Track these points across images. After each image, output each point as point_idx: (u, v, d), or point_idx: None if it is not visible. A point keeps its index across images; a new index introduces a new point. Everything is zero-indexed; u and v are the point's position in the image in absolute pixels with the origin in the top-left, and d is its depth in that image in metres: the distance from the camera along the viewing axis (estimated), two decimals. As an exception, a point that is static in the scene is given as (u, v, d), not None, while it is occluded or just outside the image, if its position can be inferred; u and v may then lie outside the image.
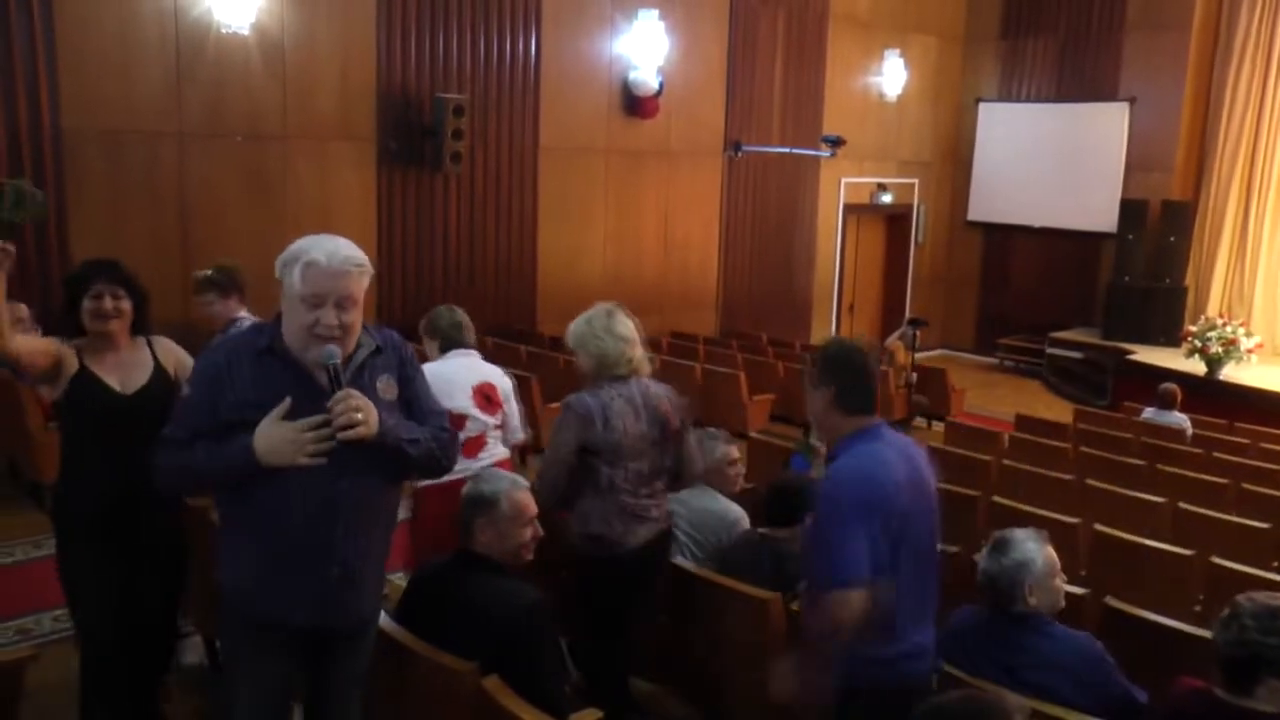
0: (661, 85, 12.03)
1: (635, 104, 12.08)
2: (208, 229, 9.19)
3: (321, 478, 2.75)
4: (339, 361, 2.74)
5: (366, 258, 2.83)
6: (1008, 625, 3.39)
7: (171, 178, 9.03)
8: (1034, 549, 3.40)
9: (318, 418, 2.71)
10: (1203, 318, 13.52)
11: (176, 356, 3.97)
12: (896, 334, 11.55)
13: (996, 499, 5.94)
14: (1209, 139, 14.66)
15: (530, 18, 11.05)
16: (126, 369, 3.78)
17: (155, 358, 3.87)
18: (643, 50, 11.89)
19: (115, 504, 3.67)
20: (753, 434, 7.99)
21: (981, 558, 3.50)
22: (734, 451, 4.75)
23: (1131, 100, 14.78)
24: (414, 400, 3.03)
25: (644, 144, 12.40)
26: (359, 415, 2.71)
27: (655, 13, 11.87)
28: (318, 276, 2.72)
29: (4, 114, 8.04)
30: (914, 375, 10.50)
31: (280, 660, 2.92)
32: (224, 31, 9.00)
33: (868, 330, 16.12)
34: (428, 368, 4.05)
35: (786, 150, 13.76)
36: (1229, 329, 12.72)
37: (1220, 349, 12.51)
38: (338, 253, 2.75)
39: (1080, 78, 15.38)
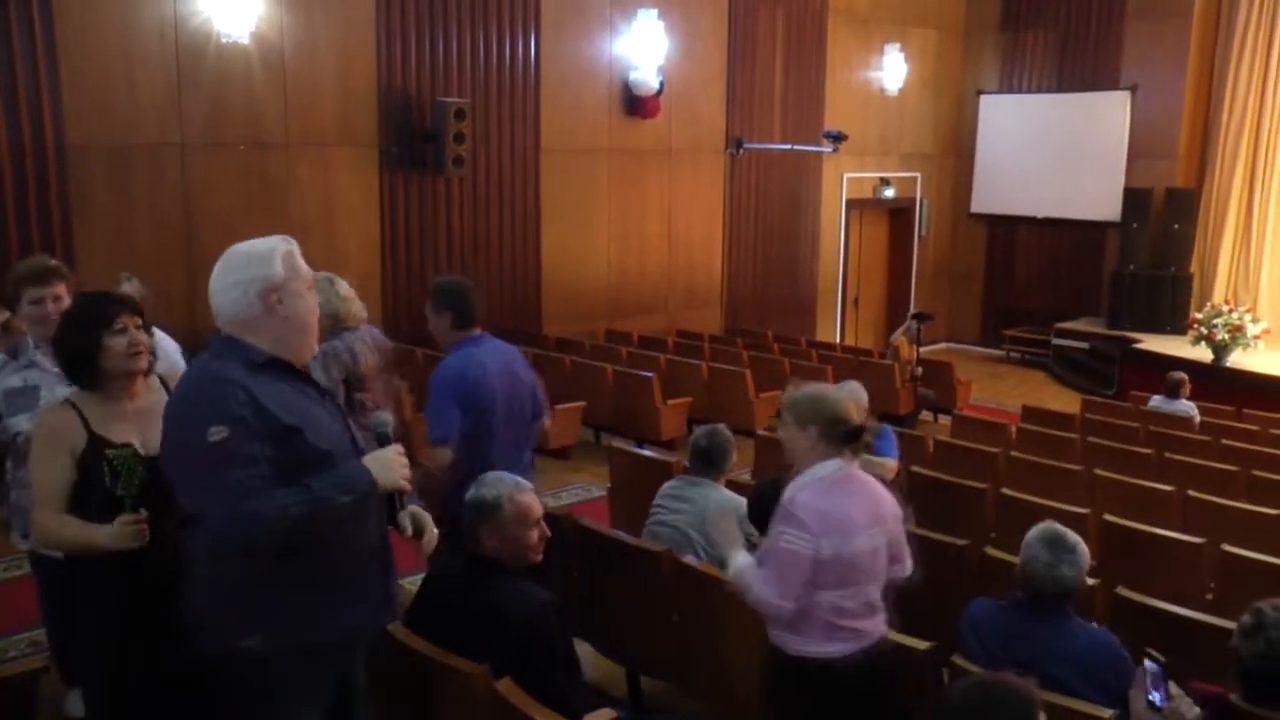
0: (662, 84, 12.03)
1: (636, 104, 12.08)
2: (212, 239, 9.19)
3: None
4: (389, 426, 2.89)
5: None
6: (1030, 619, 3.36)
7: (175, 188, 9.05)
8: (1085, 549, 3.33)
9: (399, 448, 2.80)
10: (1208, 305, 13.52)
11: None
12: (901, 328, 11.55)
13: (1005, 491, 5.94)
14: (1211, 125, 14.63)
15: (529, 20, 11.06)
16: (145, 421, 3.19)
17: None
18: (642, 50, 11.89)
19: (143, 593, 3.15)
20: (759, 431, 7.99)
21: (1042, 560, 3.31)
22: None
23: (1133, 89, 14.76)
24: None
25: (646, 144, 12.41)
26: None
27: (654, 12, 11.87)
28: (298, 260, 2.87)
29: (7, 130, 8.05)
30: (919, 369, 10.50)
31: (330, 682, 2.88)
32: (224, 41, 9.02)
33: (873, 325, 16.13)
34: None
35: (788, 147, 13.75)
36: (1235, 315, 12.71)
37: (1226, 335, 12.50)
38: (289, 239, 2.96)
39: (1081, 67, 15.37)
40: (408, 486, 2.73)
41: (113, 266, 8.53)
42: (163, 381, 3.41)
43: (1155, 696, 2.57)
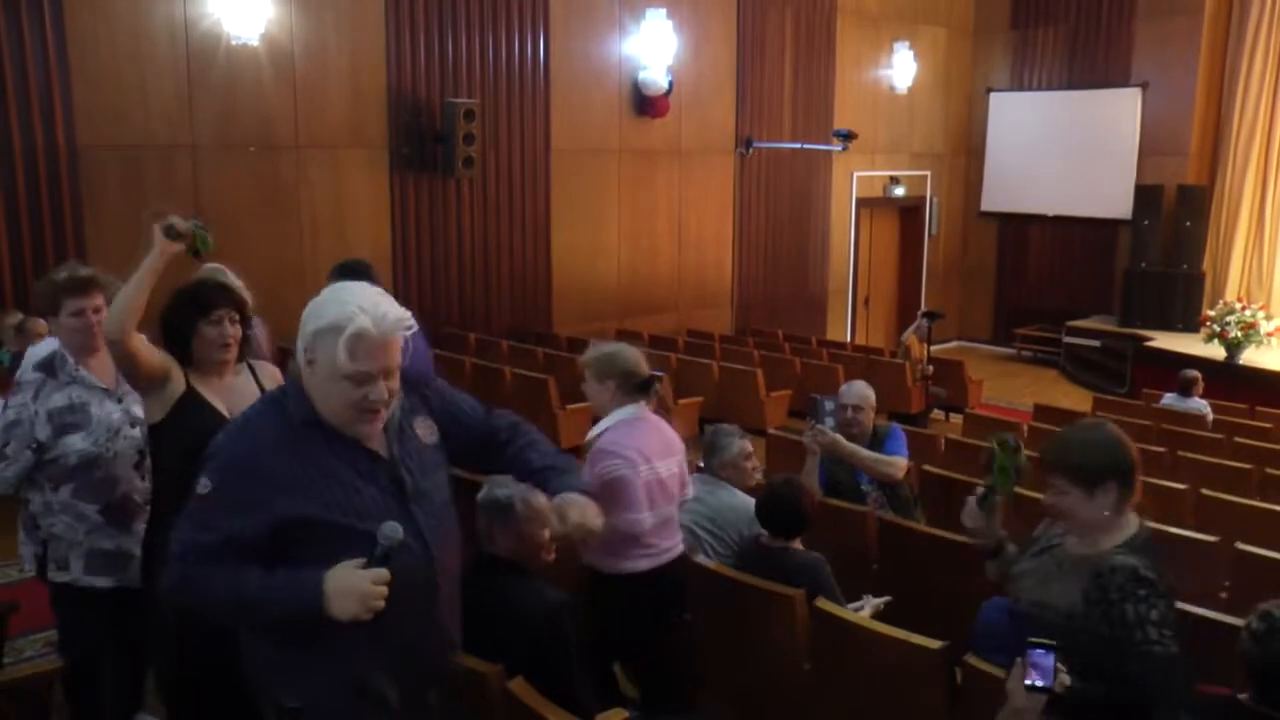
0: (671, 84, 12.03)
1: (645, 104, 12.09)
2: (224, 240, 9.14)
3: (417, 561, 2.42)
4: (396, 541, 2.29)
5: (407, 312, 2.41)
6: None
7: (186, 190, 9.07)
8: None
9: (384, 574, 2.25)
10: (1221, 302, 13.47)
11: (279, 382, 3.53)
12: (912, 327, 11.53)
13: (1017, 490, 5.90)
14: (1223, 122, 14.59)
15: (538, 20, 11.07)
16: (234, 396, 3.41)
17: (260, 386, 3.53)
18: (651, 50, 11.90)
19: None
20: (770, 430, 7.98)
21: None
22: (749, 446, 4.73)
23: (1144, 85, 14.72)
24: (461, 423, 2.69)
25: (655, 143, 12.41)
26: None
27: (663, 12, 11.88)
28: (370, 350, 2.29)
29: (20, 133, 8.09)
30: (930, 368, 10.48)
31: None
32: (234, 43, 9.04)
33: (883, 323, 16.10)
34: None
35: (798, 146, 13.74)
36: (1248, 313, 12.66)
37: (1240, 333, 12.46)
38: (386, 316, 2.31)
39: (1092, 65, 15.33)
40: (366, 616, 2.23)
41: (125, 270, 8.53)
42: (252, 369, 3.61)
43: (1036, 680, 2.53)
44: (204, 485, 2.35)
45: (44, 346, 3.92)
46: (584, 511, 2.61)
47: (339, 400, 2.33)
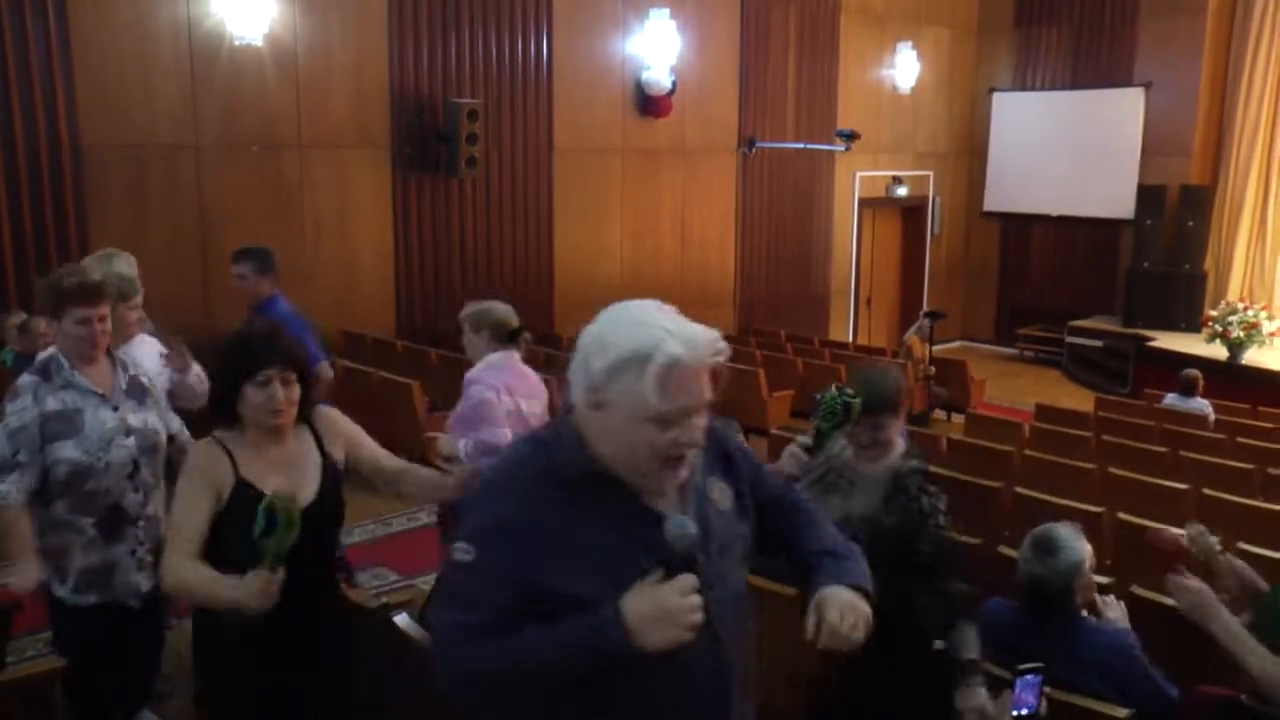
0: (675, 84, 12.04)
1: (649, 103, 12.10)
2: (227, 240, 9.21)
3: (708, 634, 1.92)
4: (694, 534, 1.92)
5: (716, 330, 1.99)
6: (1043, 623, 3.35)
7: (190, 190, 9.09)
8: (1081, 548, 3.33)
9: (691, 580, 1.86)
10: (1223, 302, 13.46)
11: (345, 434, 3.18)
12: (914, 327, 11.53)
13: (1019, 489, 5.92)
14: (1227, 122, 14.57)
15: (541, 20, 11.08)
16: (293, 471, 2.95)
17: (322, 447, 3.07)
18: (655, 49, 11.91)
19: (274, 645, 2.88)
20: (773, 430, 7.99)
21: (1025, 558, 3.41)
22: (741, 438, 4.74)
23: (1147, 85, 14.71)
24: (769, 499, 2.24)
25: (659, 143, 12.42)
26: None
27: (666, 11, 11.88)
28: (684, 381, 1.88)
29: (24, 132, 8.11)
30: (932, 368, 10.48)
31: None
32: (237, 43, 9.06)
33: (886, 323, 16.10)
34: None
35: (801, 145, 13.75)
36: (1250, 313, 12.66)
37: (1242, 333, 12.46)
38: (697, 338, 1.91)
39: (1095, 64, 15.32)
40: (688, 637, 1.84)
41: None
42: (313, 429, 3.09)
43: (1024, 709, 2.75)
44: (463, 552, 1.96)
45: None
46: (846, 613, 2.00)
47: (641, 447, 1.90)
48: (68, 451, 3.50)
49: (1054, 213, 15.80)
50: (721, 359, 1.94)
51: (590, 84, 11.66)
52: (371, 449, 3.24)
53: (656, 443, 1.89)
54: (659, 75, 11.94)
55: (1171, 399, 9.61)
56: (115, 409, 3.63)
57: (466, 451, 4.41)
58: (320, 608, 3.01)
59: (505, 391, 4.56)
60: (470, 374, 4.70)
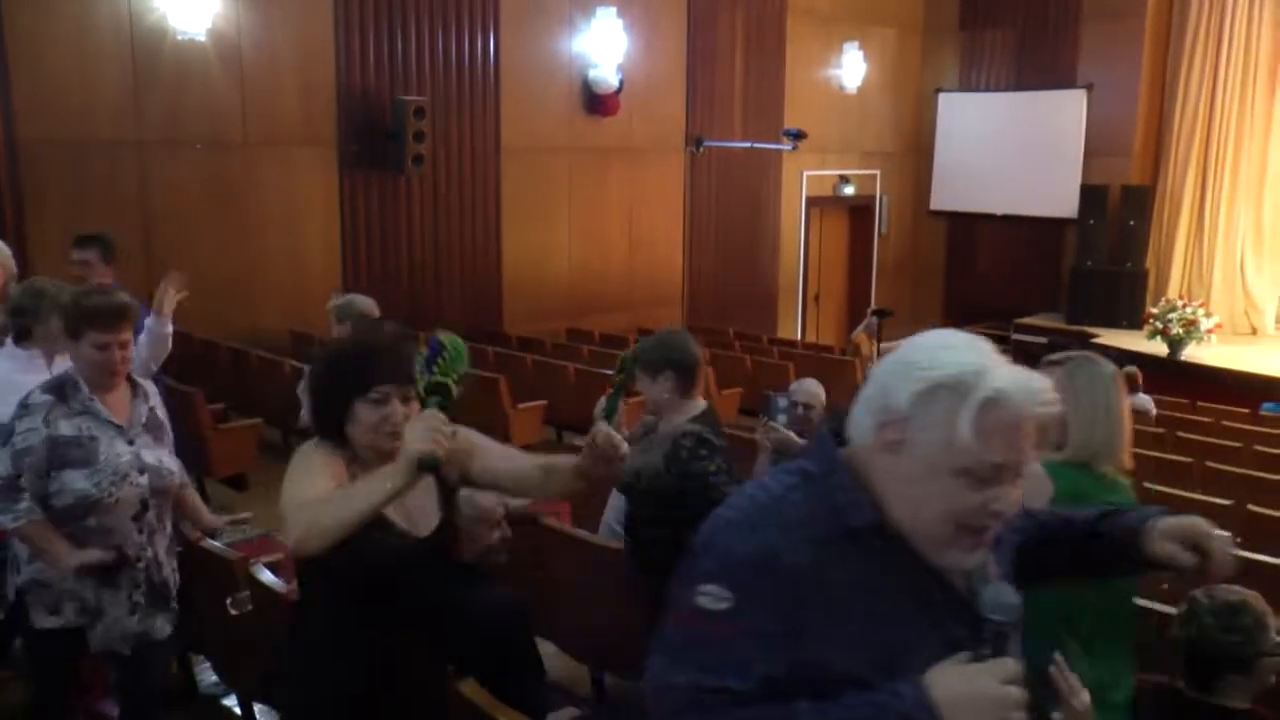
0: (622, 82, 12.04)
1: (596, 102, 12.08)
2: (171, 237, 9.13)
3: None
4: (1016, 606, 1.59)
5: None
6: None
7: (133, 187, 8.95)
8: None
9: (1013, 665, 1.52)
10: (1163, 300, 13.71)
11: (462, 450, 2.58)
12: (862, 325, 11.61)
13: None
14: (1165, 123, 14.84)
15: (489, 18, 11.03)
16: (416, 495, 2.44)
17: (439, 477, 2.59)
18: (602, 48, 11.89)
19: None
20: (722, 428, 8.00)
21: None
22: None
23: (1089, 87, 14.93)
24: (1049, 537, 1.94)
25: (606, 141, 12.40)
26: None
27: (613, 10, 11.87)
28: (1008, 428, 1.52)
29: (-41, 127, 7.95)
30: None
31: None
32: (180, 38, 8.93)
33: (834, 321, 16.21)
34: None
35: (748, 144, 13.80)
36: (1189, 310, 12.90)
37: (1181, 330, 12.69)
38: (1031, 382, 1.55)
39: (1038, 66, 15.52)
40: None
41: (68, 267, 8.43)
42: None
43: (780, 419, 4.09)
44: (713, 597, 1.56)
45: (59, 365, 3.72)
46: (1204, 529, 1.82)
47: (938, 505, 1.54)
48: (78, 482, 3.24)
49: (999, 212, 15.99)
50: (1052, 412, 1.56)
51: (538, 82, 11.63)
52: (484, 460, 2.67)
53: (960, 505, 1.53)
54: (606, 74, 11.92)
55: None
56: (131, 443, 3.37)
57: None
58: (432, 676, 2.65)
59: None
60: None
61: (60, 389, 3.32)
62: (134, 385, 3.48)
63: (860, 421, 1.62)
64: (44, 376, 3.87)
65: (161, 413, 3.58)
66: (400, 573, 2.43)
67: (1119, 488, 3.06)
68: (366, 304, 5.34)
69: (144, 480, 3.36)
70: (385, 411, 2.43)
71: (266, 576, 3.80)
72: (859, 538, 1.57)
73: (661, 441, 3.67)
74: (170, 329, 4.80)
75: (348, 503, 2.25)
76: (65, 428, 3.26)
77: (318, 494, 2.32)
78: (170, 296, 4.79)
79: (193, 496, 3.86)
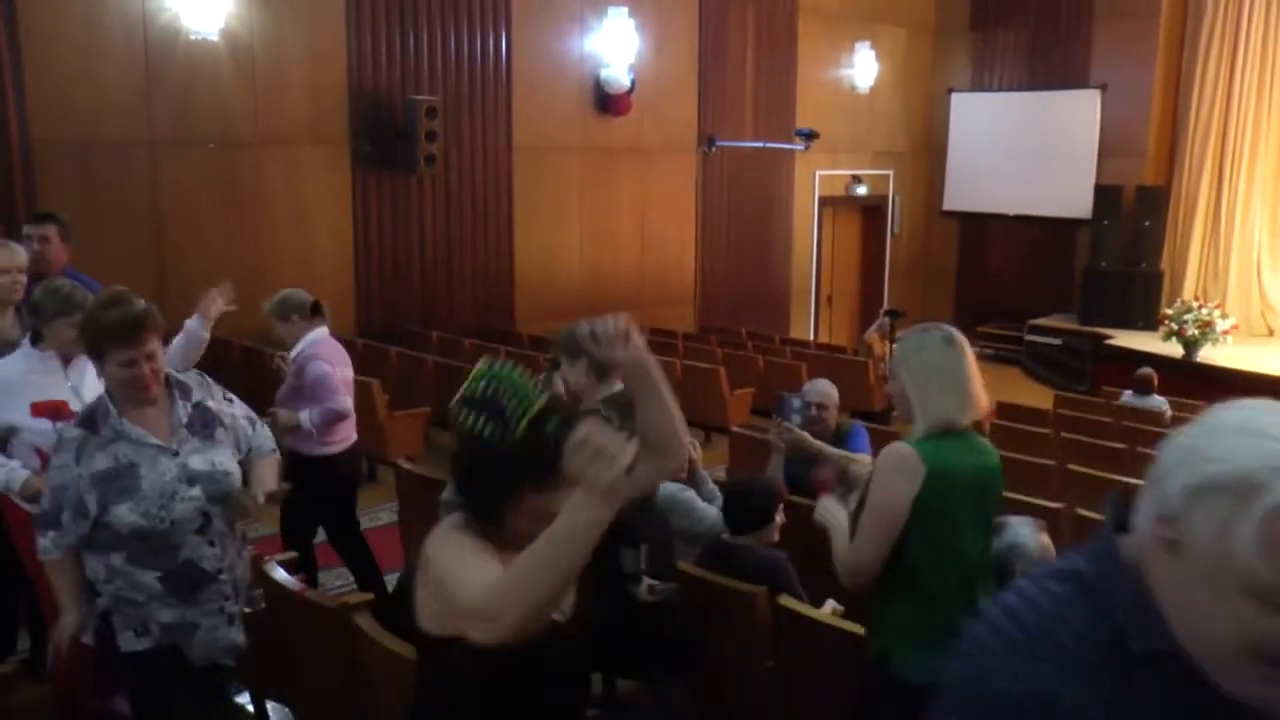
0: (633, 82, 12.02)
1: (608, 101, 12.06)
2: (182, 237, 9.14)
3: None
4: None
5: None
6: None
7: (144, 186, 8.96)
8: (1027, 533, 3.38)
9: None
10: (1179, 301, 13.64)
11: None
12: (875, 325, 11.57)
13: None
14: (1180, 123, 14.75)
15: (500, 17, 11.02)
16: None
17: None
18: (614, 48, 11.88)
19: None
20: (734, 428, 7.98)
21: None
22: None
23: (1103, 87, 14.86)
24: None
25: (618, 141, 12.39)
26: None
27: (625, 10, 11.86)
28: None
29: (-28, 126, 7.97)
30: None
31: None
32: (192, 38, 8.94)
33: (846, 321, 16.17)
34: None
35: (760, 144, 13.77)
36: (1204, 311, 12.83)
37: (1196, 331, 12.61)
38: None
39: (1051, 66, 15.46)
40: None
41: (83, 262, 8.43)
42: None
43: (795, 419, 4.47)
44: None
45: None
46: None
47: (1226, 628, 1.23)
48: (126, 515, 3.01)
49: (1012, 212, 15.93)
50: None
51: (549, 82, 11.62)
52: None
53: (1254, 632, 1.21)
54: (618, 74, 11.91)
55: (1128, 397, 9.70)
56: (175, 454, 3.12)
57: (312, 421, 5.08)
58: None
59: (330, 364, 5.19)
60: (303, 353, 5.21)
61: (91, 419, 3.10)
62: (169, 385, 3.21)
63: (1141, 508, 1.33)
64: (59, 378, 3.96)
65: (214, 401, 3.32)
66: (549, 650, 2.15)
67: (983, 450, 3.08)
68: (302, 293, 5.38)
69: (196, 492, 3.12)
70: (552, 500, 2.04)
71: (280, 574, 3.80)
72: (1143, 663, 1.28)
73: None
74: (208, 336, 4.82)
75: (551, 567, 1.88)
76: (101, 460, 3.04)
77: (498, 574, 1.99)
78: (218, 305, 4.82)
79: (270, 465, 3.49)
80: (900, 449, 2.97)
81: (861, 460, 5.20)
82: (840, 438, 5.32)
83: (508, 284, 11.52)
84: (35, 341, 4.01)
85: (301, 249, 9.91)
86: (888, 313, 11.22)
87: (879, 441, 6.85)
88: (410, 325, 10.46)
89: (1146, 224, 14.57)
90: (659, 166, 12.92)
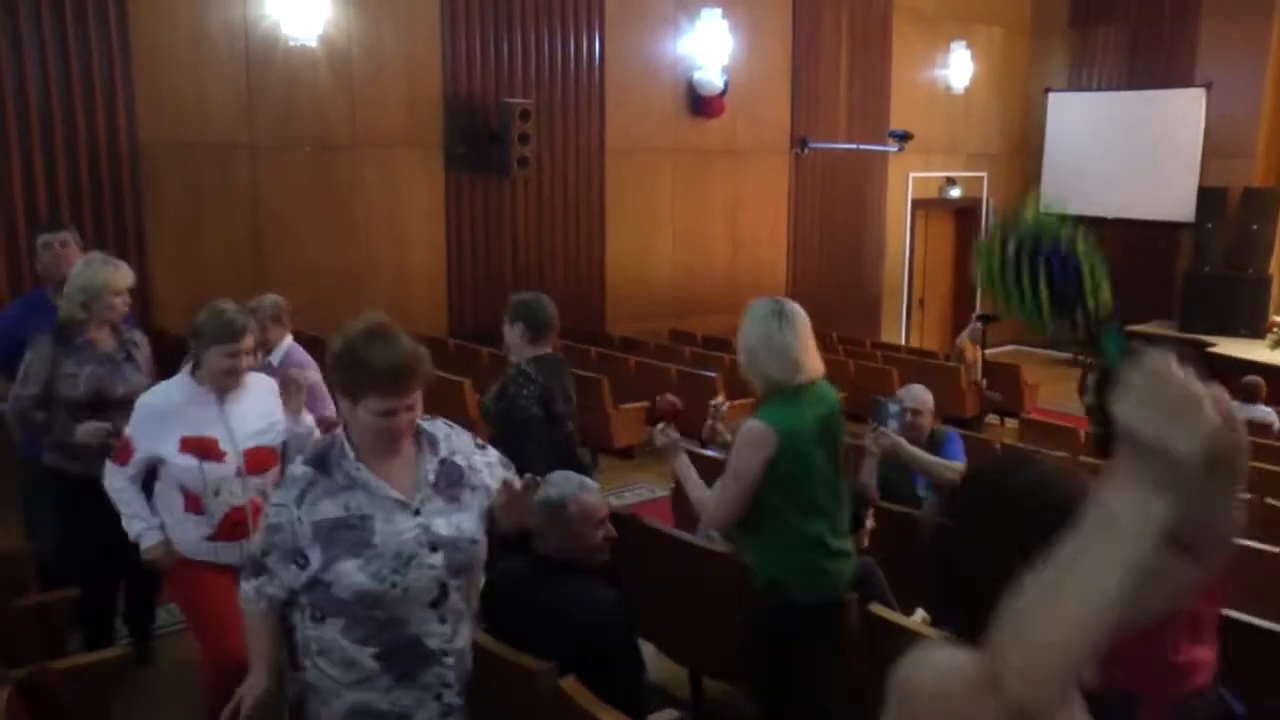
0: (726, 84, 12.00)
1: (700, 103, 12.07)
2: (280, 239, 9.34)
3: None
4: None
5: None
6: None
7: (244, 189, 9.18)
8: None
9: None
10: (1288, 307, 13.22)
11: None
12: (967, 330, 11.41)
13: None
14: (1292, 124, 14.30)
15: (594, 20, 11.08)
16: None
17: None
18: (707, 49, 11.87)
19: None
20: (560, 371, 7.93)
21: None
22: None
23: (1209, 86, 14.46)
24: None
25: (710, 143, 12.38)
26: None
27: (718, 11, 11.85)
28: None
29: (85, 129, 8.24)
30: (985, 371, 10.35)
31: None
32: (292, 45, 9.14)
33: (938, 326, 15.95)
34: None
35: (853, 146, 13.65)
36: (1315, 318, 12.42)
37: (1307, 339, 12.22)
38: None
39: (1153, 64, 15.08)
40: None
41: (185, 264, 8.72)
42: None
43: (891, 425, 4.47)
44: None
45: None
46: None
47: None
48: (352, 575, 2.63)
49: (1110, 215, 15.55)
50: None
51: (642, 84, 11.65)
52: None
53: None
54: (711, 75, 11.90)
55: (1233, 407, 9.41)
56: (417, 512, 2.73)
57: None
58: None
59: (313, 367, 4.96)
60: (289, 359, 5.17)
61: (323, 459, 2.73)
62: (417, 435, 2.83)
63: None
64: (212, 412, 3.78)
65: (462, 453, 2.92)
66: None
67: (822, 397, 3.68)
68: (271, 300, 5.33)
69: (438, 559, 2.72)
70: None
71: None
72: None
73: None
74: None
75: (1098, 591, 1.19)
76: (329, 507, 2.68)
77: None
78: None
79: None
80: (754, 425, 3.51)
81: (955, 467, 5.14)
82: (934, 444, 5.27)
83: (599, 285, 11.58)
84: (195, 369, 3.83)
85: (396, 251, 10.06)
86: (980, 317, 11.06)
87: (972, 449, 6.76)
88: (501, 326, 10.55)
89: (1254, 227, 14.14)
90: (751, 168, 12.88)
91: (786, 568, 3.57)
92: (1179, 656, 2.87)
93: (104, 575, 4.64)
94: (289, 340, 5.31)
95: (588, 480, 3.47)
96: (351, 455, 2.69)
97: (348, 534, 2.64)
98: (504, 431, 4.37)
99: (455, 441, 2.92)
